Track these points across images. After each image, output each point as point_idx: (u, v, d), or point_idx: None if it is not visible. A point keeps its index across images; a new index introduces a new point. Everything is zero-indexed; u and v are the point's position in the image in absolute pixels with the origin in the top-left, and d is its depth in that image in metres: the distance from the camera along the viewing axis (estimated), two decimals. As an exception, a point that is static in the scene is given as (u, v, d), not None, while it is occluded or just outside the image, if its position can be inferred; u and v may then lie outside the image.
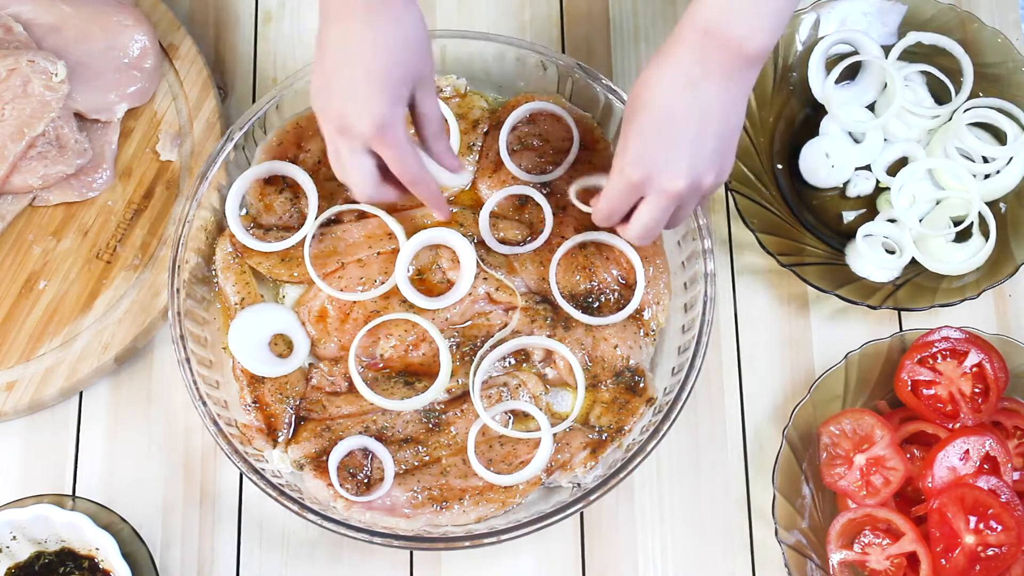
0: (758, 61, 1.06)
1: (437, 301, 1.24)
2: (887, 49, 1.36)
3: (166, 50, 1.38)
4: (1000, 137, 1.34)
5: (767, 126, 1.37)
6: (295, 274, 1.27)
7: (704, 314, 1.22)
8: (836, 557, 1.18)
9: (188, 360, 1.20)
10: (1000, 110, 1.34)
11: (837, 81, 1.35)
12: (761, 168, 1.34)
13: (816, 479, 1.23)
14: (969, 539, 1.15)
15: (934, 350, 1.23)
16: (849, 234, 1.32)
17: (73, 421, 1.28)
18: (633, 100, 1.07)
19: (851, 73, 1.38)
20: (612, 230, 1.18)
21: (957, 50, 1.35)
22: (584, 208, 1.22)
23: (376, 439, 1.21)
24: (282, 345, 1.25)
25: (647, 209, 1.09)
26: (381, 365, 1.24)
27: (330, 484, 1.18)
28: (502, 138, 1.30)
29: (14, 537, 1.17)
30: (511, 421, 1.23)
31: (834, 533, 1.19)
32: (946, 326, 1.23)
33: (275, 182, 1.30)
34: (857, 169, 1.35)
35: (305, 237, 1.26)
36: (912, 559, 1.17)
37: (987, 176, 1.33)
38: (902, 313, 1.33)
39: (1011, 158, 1.32)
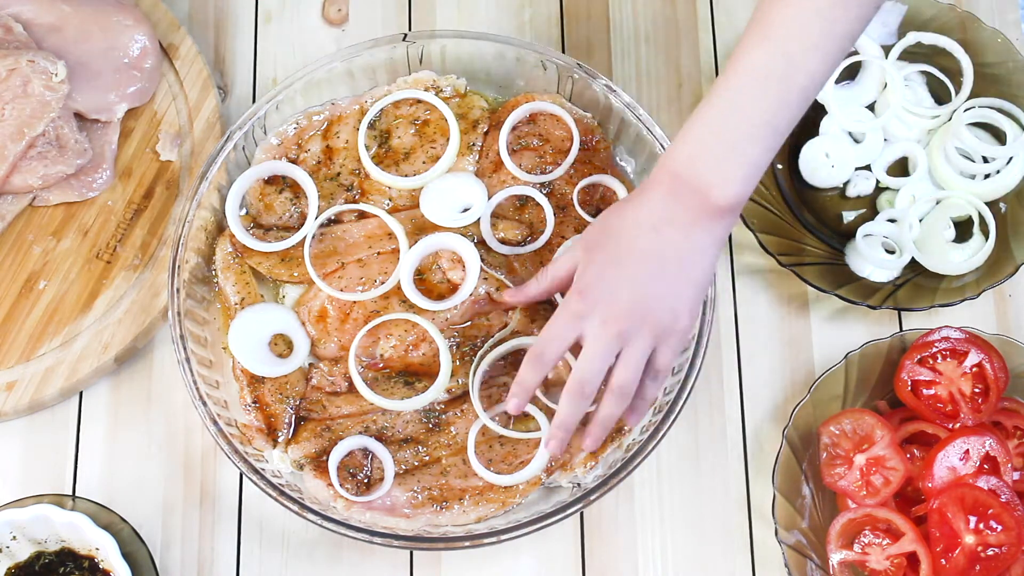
0: (729, 213, 1.05)
1: (440, 303, 1.24)
2: (887, 49, 1.36)
3: (166, 50, 1.38)
4: (1000, 137, 1.34)
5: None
6: (295, 274, 1.27)
7: (704, 314, 1.22)
8: (836, 557, 1.18)
9: (188, 360, 1.20)
10: (1000, 110, 1.34)
11: (837, 81, 1.35)
12: (761, 168, 1.34)
13: (816, 479, 1.23)
14: (969, 539, 1.15)
15: (934, 350, 1.23)
16: (849, 234, 1.32)
17: (73, 421, 1.28)
18: (595, 229, 1.09)
19: (851, 73, 1.38)
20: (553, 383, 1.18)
21: (957, 50, 1.35)
22: (511, 297, 1.21)
23: (376, 439, 1.21)
24: (282, 345, 1.25)
25: (587, 343, 1.07)
26: (381, 365, 1.24)
27: (330, 484, 1.18)
28: (502, 138, 1.30)
29: (14, 537, 1.17)
30: (511, 421, 1.23)
31: (834, 533, 1.19)
32: (946, 326, 1.23)
33: (275, 182, 1.30)
34: (857, 169, 1.35)
35: (305, 237, 1.26)
36: (912, 559, 1.17)
37: (987, 176, 1.33)
38: (902, 313, 1.33)
39: (1011, 158, 1.32)
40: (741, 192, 1.04)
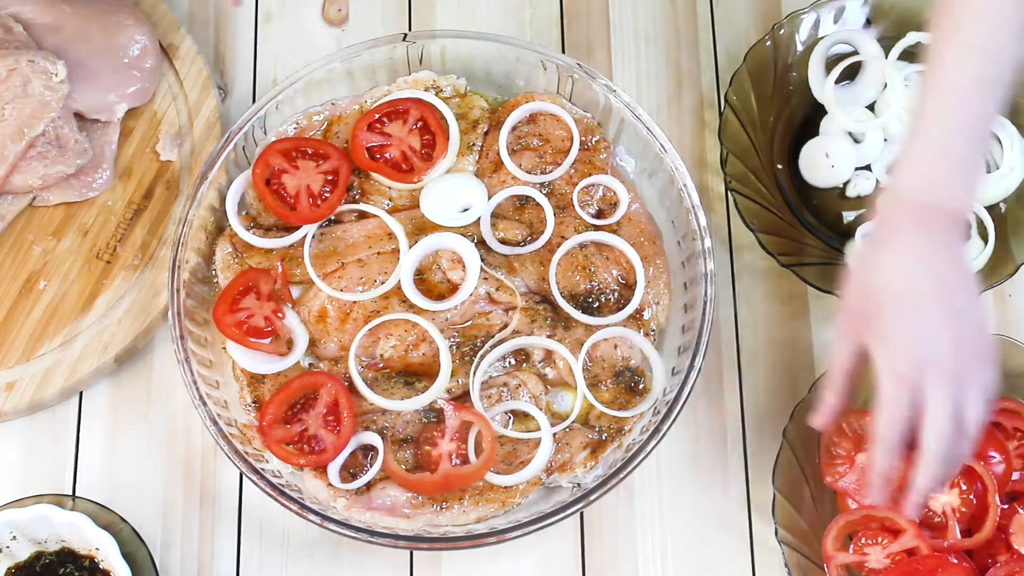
0: (969, 213, 1.06)
1: (440, 304, 1.24)
2: (887, 49, 1.36)
3: (166, 50, 1.38)
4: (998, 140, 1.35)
5: (767, 126, 1.37)
6: (295, 274, 1.27)
7: (704, 314, 1.22)
8: (835, 558, 1.18)
9: (188, 360, 1.20)
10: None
11: (837, 81, 1.35)
12: (761, 168, 1.34)
13: (816, 479, 1.23)
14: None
15: (377, 116, 1.28)
16: (849, 234, 1.32)
17: (73, 421, 1.28)
18: (859, 288, 1.03)
19: (851, 73, 1.38)
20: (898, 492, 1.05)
21: (957, 50, 1.35)
22: (819, 422, 1.08)
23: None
24: (281, 343, 1.25)
25: (934, 407, 0.99)
26: (381, 365, 1.24)
27: (330, 484, 1.18)
28: (502, 138, 1.30)
29: (14, 537, 1.17)
30: (511, 421, 1.23)
31: (833, 534, 1.18)
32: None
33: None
34: (857, 169, 1.35)
35: (305, 237, 1.26)
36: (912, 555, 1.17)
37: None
38: (902, 313, 1.32)
39: (1012, 167, 1.32)
40: (975, 194, 1.05)
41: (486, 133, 1.34)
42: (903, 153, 1.03)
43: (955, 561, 1.16)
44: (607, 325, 1.25)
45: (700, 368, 1.20)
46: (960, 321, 1.01)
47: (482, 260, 1.26)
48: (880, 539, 1.17)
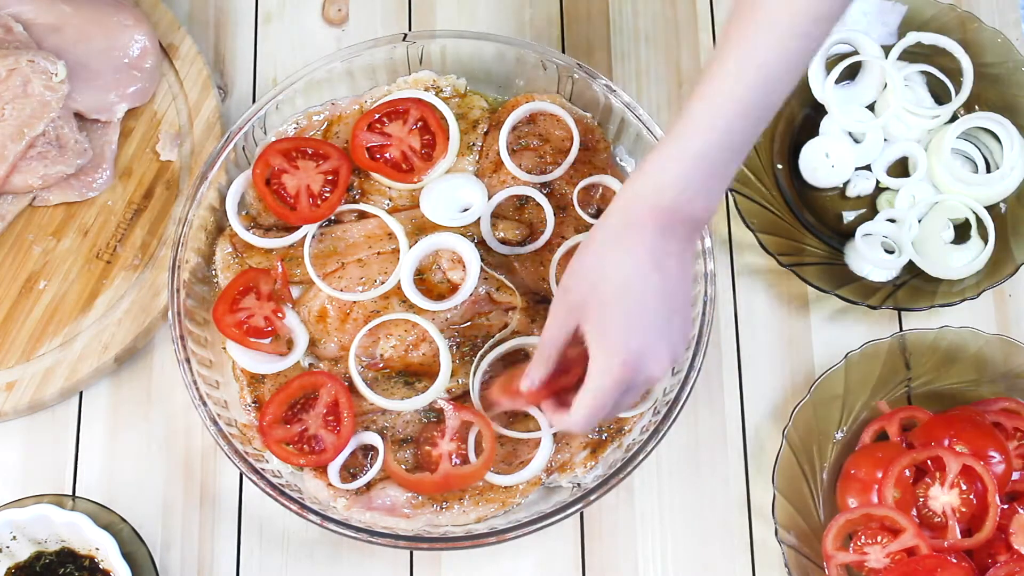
0: (708, 221, 1.07)
1: (440, 304, 1.24)
2: (887, 49, 1.36)
3: (166, 50, 1.38)
4: (998, 139, 1.34)
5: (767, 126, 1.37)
6: (295, 274, 1.27)
7: (704, 314, 1.22)
8: (835, 557, 1.18)
9: (188, 360, 1.20)
10: (994, 118, 1.34)
11: (837, 81, 1.35)
12: (761, 168, 1.34)
13: (816, 479, 1.23)
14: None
15: (377, 116, 1.28)
16: (849, 234, 1.32)
17: (73, 421, 1.28)
18: (587, 280, 1.04)
19: (851, 73, 1.38)
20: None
21: (957, 50, 1.35)
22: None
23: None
24: (281, 343, 1.25)
25: (602, 381, 1.03)
26: (381, 365, 1.24)
27: (330, 484, 1.18)
28: (502, 138, 1.30)
29: (14, 537, 1.17)
30: (511, 421, 1.23)
31: (832, 533, 1.18)
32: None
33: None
34: (857, 169, 1.35)
35: (305, 237, 1.26)
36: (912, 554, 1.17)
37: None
38: (902, 313, 1.33)
39: (1012, 167, 1.32)
40: (718, 205, 1.06)
41: (486, 133, 1.34)
42: (660, 152, 1.02)
43: (955, 561, 1.16)
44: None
45: (700, 368, 1.20)
46: (674, 325, 1.05)
47: (482, 260, 1.26)
48: (880, 538, 1.17)
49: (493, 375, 1.24)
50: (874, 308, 1.27)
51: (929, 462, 1.20)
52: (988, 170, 1.35)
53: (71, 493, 1.25)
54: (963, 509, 1.18)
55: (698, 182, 1.02)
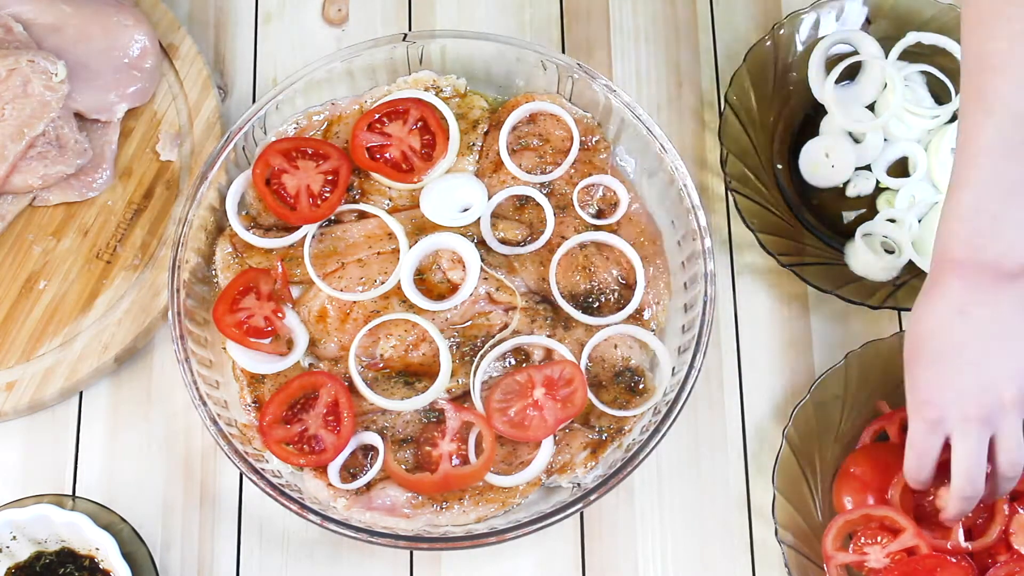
0: (1021, 274, 1.07)
1: (440, 304, 1.24)
2: (887, 49, 1.36)
3: (166, 50, 1.38)
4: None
5: (767, 126, 1.37)
6: (295, 274, 1.27)
7: (704, 314, 1.22)
8: (835, 558, 1.18)
9: (188, 360, 1.20)
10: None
11: (837, 81, 1.35)
12: (761, 168, 1.34)
13: (816, 479, 1.23)
14: None
15: (377, 116, 1.29)
16: (849, 234, 1.32)
17: (73, 421, 1.28)
18: (908, 344, 1.09)
19: (851, 73, 1.38)
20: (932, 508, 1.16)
21: (957, 50, 1.35)
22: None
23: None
24: (281, 343, 1.25)
25: (957, 443, 1.07)
26: (381, 365, 1.24)
27: (330, 484, 1.18)
28: (502, 138, 1.30)
29: (14, 537, 1.17)
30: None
31: (832, 534, 1.18)
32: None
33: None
34: (857, 169, 1.35)
35: (305, 237, 1.26)
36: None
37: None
38: (902, 313, 1.33)
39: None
40: (1020, 246, 1.07)
41: (486, 133, 1.34)
42: (942, 215, 1.08)
43: (954, 561, 1.16)
44: (607, 325, 1.25)
45: (700, 368, 1.20)
46: (992, 363, 1.06)
47: (482, 260, 1.26)
48: (880, 538, 1.17)
49: (493, 375, 1.24)
50: (874, 308, 1.27)
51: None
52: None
53: (71, 493, 1.25)
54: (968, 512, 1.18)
55: (979, 229, 1.05)
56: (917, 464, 1.10)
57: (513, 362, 1.25)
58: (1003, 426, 1.07)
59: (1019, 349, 1.07)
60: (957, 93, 1.35)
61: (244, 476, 1.20)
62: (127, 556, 1.15)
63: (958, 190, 1.07)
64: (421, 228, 1.28)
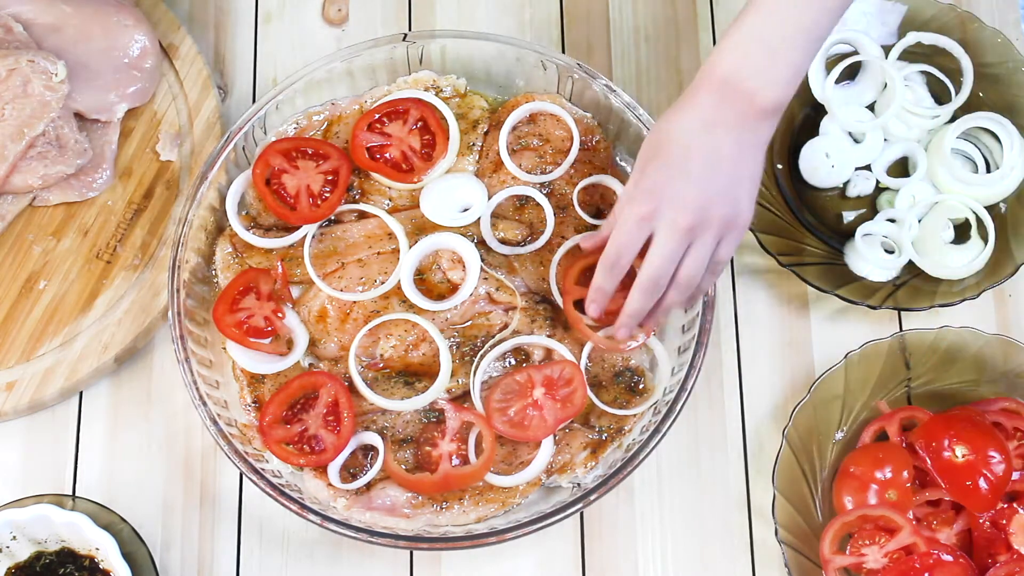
0: (773, 114, 1.10)
1: (440, 304, 1.24)
2: (887, 49, 1.36)
3: (166, 50, 1.38)
4: (998, 139, 1.34)
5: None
6: (295, 274, 1.27)
7: (704, 314, 1.22)
8: (833, 561, 1.18)
9: (188, 360, 1.20)
10: (994, 118, 1.34)
11: (837, 81, 1.35)
12: (761, 168, 1.34)
13: (816, 479, 1.23)
14: None
15: (377, 116, 1.29)
16: (849, 234, 1.32)
17: (73, 421, 1.28)
18: (649, 140, 1.12)
19: (851, 73, 1.38)
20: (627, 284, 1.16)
21: (957, 50, 1.35)
22: (585, 243, 1.21)
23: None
24: (281, 343, 1.25)
25: (658, 241, 1.10)
26: (381, 365, 1.24)
27: (330, 484, 1.18)
28: (502, 138, 1.30)
29: (14, 537, 1.17)
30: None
31: (829, 537, 1.18)
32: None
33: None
34: (857, 169, 1.35)
35: (305, 237, 1.26)
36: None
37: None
38: (902, 313, 1.33)
39: (1012, 167, 1.32)
40: (784, 95, 1.09)
41: (486, 133, 1.34)
42: (726, 35, 1.09)
43: (950, 559, 1.16)
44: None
45: (700, 368, 1.20)
46: (716, 182, 1.09)
47: (482, 260, 1.26)
48: (877, 539, 1.17)
49: (493, 375, 1.24)
50: (874, 308, 1.27)
51: (928, 462, 1.20)
52: (988, 170, 1.35)
53: (71, 493, 1.25)
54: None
55: (751, 56, 1.07)
56: (616, 252, 1.12)
57: (513, 362, 1.25)
58: (698, 242, 1.11)
59: (743, 178, 1.11)
60: (957, 93, 1.35)
61: (244, 476, 1.20)
62: (127, 556, 1.15)
63: (748, 15, 1.08)
64: (421, 228, 1.28)
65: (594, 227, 1.29)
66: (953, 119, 1.35)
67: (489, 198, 1.29)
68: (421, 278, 1.27)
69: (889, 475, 1.19)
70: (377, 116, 1.30)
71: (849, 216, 1.35)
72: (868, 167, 1.36)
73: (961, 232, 1.33)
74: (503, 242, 1.29)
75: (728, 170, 1.09)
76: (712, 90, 1.09)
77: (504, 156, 1.30)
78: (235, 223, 1.27)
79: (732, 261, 1.35)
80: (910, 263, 1.30)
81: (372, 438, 1.20)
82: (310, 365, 1.26)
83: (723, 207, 1.10)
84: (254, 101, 1.39)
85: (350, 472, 1.20)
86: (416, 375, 1.24)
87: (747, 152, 1.10)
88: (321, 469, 1.19)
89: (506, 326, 1.25)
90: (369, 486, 1.20)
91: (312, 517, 1.15)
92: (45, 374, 1.26)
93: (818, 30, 1.08)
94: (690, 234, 1.10)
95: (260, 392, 1.23)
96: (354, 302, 1.25)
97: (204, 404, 1.19)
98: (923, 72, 1.36)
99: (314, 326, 1.25)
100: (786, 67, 1.08)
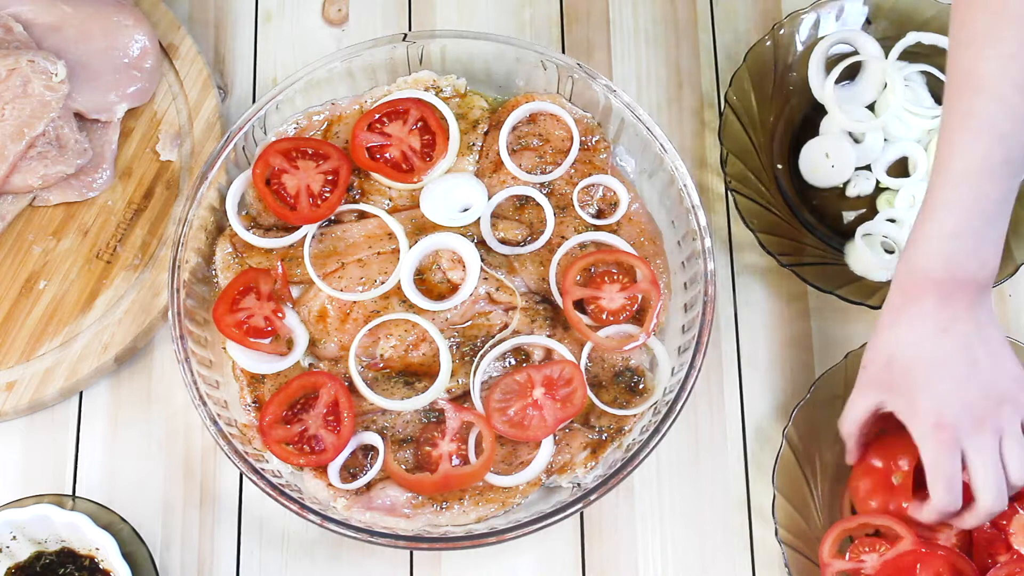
0: (992, 281, 1.09)
1: (440, 304, 1.24)
2: (887, 49, 1.36)
3: (166, 50, 1.38)
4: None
5: (767, 126, 1.37)
6: (295, 274, 1.27)
7: (704, 314, 1.22)
8: (831, 565, 1.18)
9: (188, 360, 1.20)
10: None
11: (837, 81, 1.35)
12: (761, 168, 1.34)
13: (816, 479, 1.23)
14: None
15: (378, 116, 1.28)
16: (849, 234, 1.32)
17: (73, 421, 1.28)
18: (882, 363, 1.11)
19: (851, 73, 1.38)
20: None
21: (957, 50, 1.35)
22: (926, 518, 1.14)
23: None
24: (281, 343, 1.25)
25: (976, 459, 1.08)
26: (381, 365, 1.24)
27: (330, 484, 1.18)
28: (502, 138, 1.30)
29: (14, 537, 1.17)
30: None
31: (829, 542, 1.18)
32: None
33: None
34: (857, 169, 1.35)
35: (305, 237, 1.26)
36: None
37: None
38: (902, 313, 1.33)
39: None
40: (997, 262, 1.09)
41: (486, 133, 1.34)
42: (917, 232, 1.09)
43: (942, 553, 1.15)
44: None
45: (700, 368, 1.20)
46: (983, 372, 1.08)
47: (482, 260, 1.26)
48: (878, 547, 1.17)
49: (493, 375, 1.24)
50: (874, 308, 1.27)
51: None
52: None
53: (71, 493, 1.25)
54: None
55: (958, 248, 1.06)
56: (947, 491, 1.09)
57: (513, 362, 1.25)
58: (1005, 431, 1.08)
59: (998, 353, 1.09)
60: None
61: (244, 476, 1.20)
62: (127, 556, 1.15)
63: (938, 210, 1.07)
64: (421, 228, 1.28)
65: (594, 227, 1.29)
66: (953, 119, 1.35)
67: (489, 198, 1.29)
68: (421, 278, 1.27)
69: (906, 467, 1.19)
70: (377, 116, 1.30)
71: (849, 216, 1.36)
72: (868, 167, 1.36)
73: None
74: (503, 242, 1.29)
75: (984, 354, 1.09)
76: (929, 293, 1.08)
77: (504, 156, 1.30)
78: (235, 223, 1.27)
79: (732, 261, 1.35)
80: (910, 263, 1.31)
81: (372, 438, 1.20)
82: (310, 365, 1.26)
83: (1007, 390, 1.09)
84: (254, 101, 1.39)
85: (350, 472, 1.20)
86: (416, 375, 1.24)
87: (988, 328, 1.09)
88: (321, 469, 1.19)
89: (506, 326, 1.25)
90: (369, 486, 1.20)
91: (312, 517, 1.15)
92: (45, 374, 1.26)
93: (1011, 195, 1.07)
94: (997, 432, 1.08)
95: (260, 392, 1.23)
96: (354, 302, 1.25)
97: (204, 404, 1.19)
98: (923, 72, 1.36)
99: (314, 326, 1.26)
100: (994, 240, 1.07)
